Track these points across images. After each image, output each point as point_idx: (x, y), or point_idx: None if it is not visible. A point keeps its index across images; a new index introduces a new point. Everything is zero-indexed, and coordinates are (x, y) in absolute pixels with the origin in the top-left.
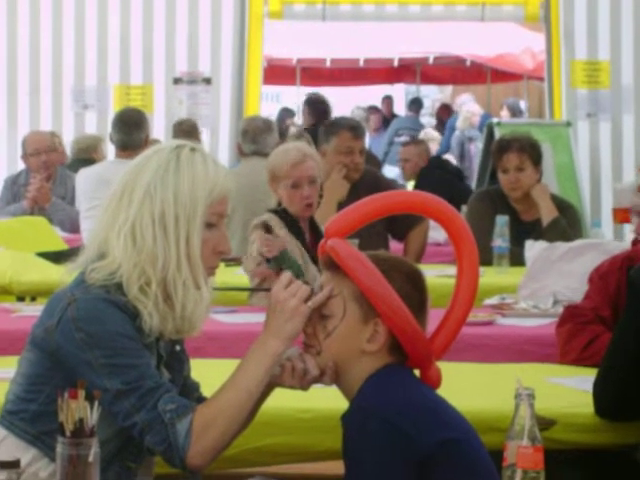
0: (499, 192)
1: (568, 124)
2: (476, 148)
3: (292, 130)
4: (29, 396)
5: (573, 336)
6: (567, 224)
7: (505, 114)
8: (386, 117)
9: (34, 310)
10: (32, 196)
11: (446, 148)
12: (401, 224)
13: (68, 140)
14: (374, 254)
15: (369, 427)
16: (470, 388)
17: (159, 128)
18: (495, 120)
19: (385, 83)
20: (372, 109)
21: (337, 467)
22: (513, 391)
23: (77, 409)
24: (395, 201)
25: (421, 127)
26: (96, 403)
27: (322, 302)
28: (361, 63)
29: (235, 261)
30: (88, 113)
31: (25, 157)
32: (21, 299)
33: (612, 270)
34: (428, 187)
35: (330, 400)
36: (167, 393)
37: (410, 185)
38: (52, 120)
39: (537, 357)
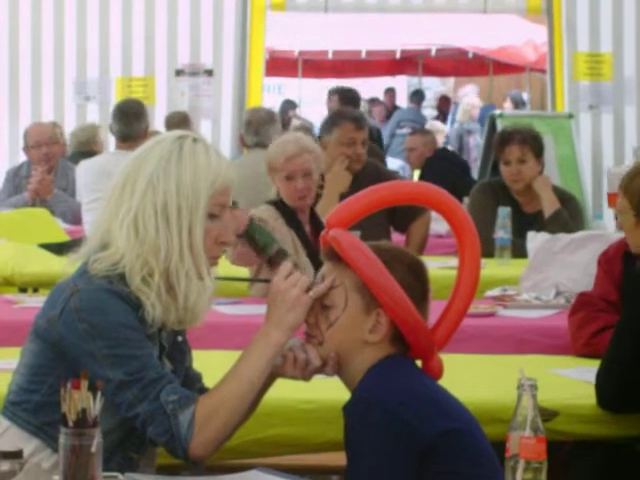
0: (501, 184)
1: (570, 116)
2: (475, 141)
3: (295, 122)
4: (32, 387)
5: (584, 324)
6: (569, 216)
7: (508, 105)
8: (388, 109)
9: (36, 301)
10: (34, 188)
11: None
12: (403, 216)
13: (70, 132)
14: (376, 245)
15: (371, 418)
16: (472, 379)
17: (161, 120)
18: (497, 112)
19: (387, 75)
20: (374, 101)
21: (339, 458)
22: (515, 382)
23: (80, 399)
24: (397, 192)
25: (423, 119)
26: (99, 393)
27: (324, 292)
28: (363, 55)
29: None
30: (90, 105)
31: (26, 149)
32: (23, 290)
33: (618, 254)
34: (432, 178)
35: (332, 391)
36: (169, 384)
37: (416, 175)
38: (54, 112)
39: (539, 348)
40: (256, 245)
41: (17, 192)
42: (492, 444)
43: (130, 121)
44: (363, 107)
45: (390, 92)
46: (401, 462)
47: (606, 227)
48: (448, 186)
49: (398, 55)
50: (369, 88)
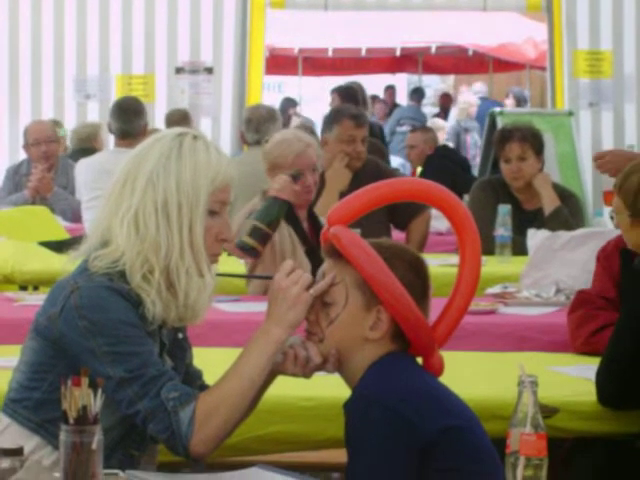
0: (501, 181)
1: (570, 113)
2: (472, 139)
3: (295, 120)
4: (32, 384)
5: (584, 322)
6: (569, 213)
7: (510, 102)
8: (388, 107)
9: (36, 299)
10: (33, 186)
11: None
12: (403, 213)
13: (71, 130)
14: (376, 242)
15: (372, 415)
16: (473, 376)
17: (161, 118)
18: (497, 109)
19: (387, 73)
20: (374, 99)
21: (339, 455)
22: (516, 379)
23: (80, 397)
24: (398, 189)
25: (423, 117)
26: (99, 390)
27: (324, 290)
28: (363, 53)
29: None
30: (90, 103)
31: (26, 147)
32: (23, 288)
33: (616, 251)
34: (432, 176)
35: (332, 388)
36: (170, 381)
37: (420, 171)
38: (54, 110)
39: (539, 346)
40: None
41: (17, 190)
42: (492, 441)
43: (130, 118)
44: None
45: (390, 90)
46: (402, 459)
47: (606, 224)
48: (448, 183)
49: (398, 53)
50: (369, 86)
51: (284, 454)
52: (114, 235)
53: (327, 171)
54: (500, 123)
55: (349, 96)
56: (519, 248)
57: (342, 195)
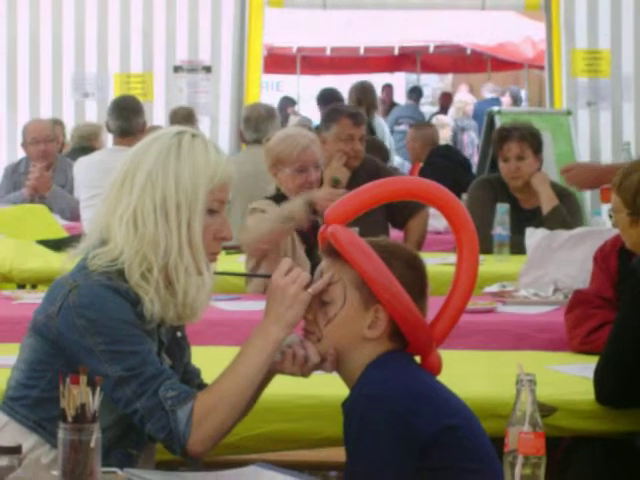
0: (499, 180)
1: (568, 113)
2: (469, 138)
3: (293, 119)
4: (30, 382)
5: (580, 322)
6: (567, 212)
7: (507, 100)
8: (386, 106)
9: (35, 297)
10: (32, 184)
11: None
12: (401, 212)
13: (69, 129)
14: (374, 241)
15: (370, 414)
16: (471, 375)
17: (159, 116)
18: (496, 108)
19: (385, 72)
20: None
21: (338, 454)
22: (514, 378)
23: (79, 395)
24: (396, 188)
25: (421, 116)
26: (98, 389)
27: (322, 289)
28: (361, 52)
29: (236, 249)
30: (88, 101)
31: (24, 145)
32: (22, 286)
33: (614, 250)
34: (432, 175)
35: (331, 387)
36: (168, 380)
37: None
38: (52, 108)
39: (538, 345)
40: None
41: (15, 188)
42: (491, 439)
43: (129, 116)
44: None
45: (388, 88)
46: (400, 458)
47: (604, 223)
48: (448, 183)
49: (396, 52)
50: None
51: (282, 453)
52: (113, 234)
53: (325, 170)
54: (498, 122)
55: (327, 97)
56: (517, 247)
57: None
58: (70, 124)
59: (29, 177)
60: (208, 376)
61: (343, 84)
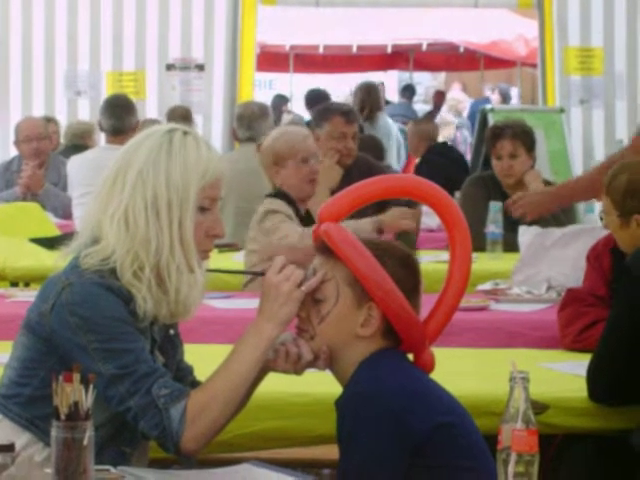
0: (492, 178)
1: (561, 110)
2: (462, 136)
3: (285, 117)
4: (23, 380)
5: (573, 320)
6: (560, 210)
7: (496, 98)
8: None
9: (28, 295)
10: (25, 183)
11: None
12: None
13: (65, 126)
14: (367, 239)
15: (363, 412)
16: (464, 372)
17: (152, 115)
18: (488, 106)
19: (378, 70)
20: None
21: (331, 452)
22: (507, 375)
23: (72, 392)
24: (389, 186)
25: (414, 114)
26: (91, 387)
27: (316, 286)
28: (354, 50)
29: (229, 247)
30: (81, 100)
31: (17, 143)
32: (15, 284)
33: (606, 249)
34: (427, 173)
35: (324, 385)
36: (161, 378)
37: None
38: (45, 106)
39: (530, 342)
40: None
41: (8, 187)
42: (484, 437)
43: (121, 115)
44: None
45: (381, 87)
46: (393, 456)
47: (597, 221)
48: (442, 181)
49: (389, 50)
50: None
51: (275, 450)
52: (104, 232)
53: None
54: (491, 120)
55: (315, 97)
56: (510, 245)
57: (333, 192)
58: (62, 122)
59: (22, 175)
60: (201, 374)
61: (336, 82)
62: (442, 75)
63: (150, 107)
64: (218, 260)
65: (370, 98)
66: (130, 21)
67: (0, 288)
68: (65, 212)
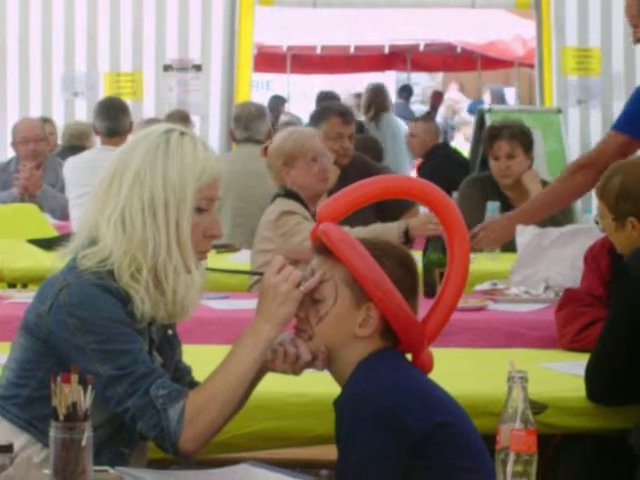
0: (490, 178)
1: (558, 111)
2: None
3: (283, 118)
4: (21, 381)
5: (570, 320)
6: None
7: (488, 100)
8: None
9: (26, 297)
10: (22, 184)
11: None
12: (392, 210)
13: (63, 127)
14: (365, 239)
15: (362, 412)
16: (462, 372)
17: (149, 115)
18: (486, 107)
19: (375, 70)
20: (361, 96)
21: (329, 452)
22: (505, 375)
23: (70, 393)
24: (387, 186)
25: (411, 114)
26: (89, 387)
27: (314, 287)
28: (352, 50)
29: (226, 248)
30: (78, 100)
31: (14, 145)
32: (12, 286)
33: (604, 250)
34: (427, 173)
35: (322, 385)
36: (159, 379)
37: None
38: (42, 108)
39: (528, 342)
40: None
41: (5, 188)
42: (483, 437)
43: (117, 116)
44: (352, 103)
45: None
46: (392, 456)
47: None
48: (441, 182)
49: (386, 50)
50: (357, 84)
51: (273, 451)
52: (101, 233)
53: None
54: (489, 120)
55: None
56: (507, 245)
57: (330, 192)
58: (60, 123)
59: (19, 176)
60: (199, 374)
61: (333, 83)
62: (439, 75)
63: (147, 108)
64: (215, 261)
65: (377, 99)
66: (127, 22)
67: None
68: (63, 213)
